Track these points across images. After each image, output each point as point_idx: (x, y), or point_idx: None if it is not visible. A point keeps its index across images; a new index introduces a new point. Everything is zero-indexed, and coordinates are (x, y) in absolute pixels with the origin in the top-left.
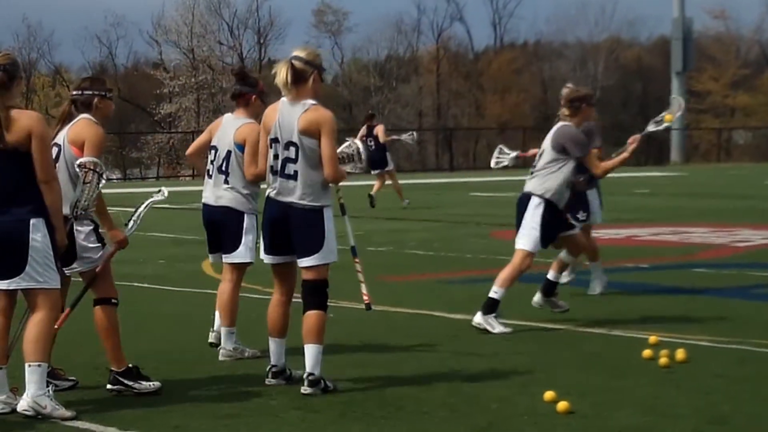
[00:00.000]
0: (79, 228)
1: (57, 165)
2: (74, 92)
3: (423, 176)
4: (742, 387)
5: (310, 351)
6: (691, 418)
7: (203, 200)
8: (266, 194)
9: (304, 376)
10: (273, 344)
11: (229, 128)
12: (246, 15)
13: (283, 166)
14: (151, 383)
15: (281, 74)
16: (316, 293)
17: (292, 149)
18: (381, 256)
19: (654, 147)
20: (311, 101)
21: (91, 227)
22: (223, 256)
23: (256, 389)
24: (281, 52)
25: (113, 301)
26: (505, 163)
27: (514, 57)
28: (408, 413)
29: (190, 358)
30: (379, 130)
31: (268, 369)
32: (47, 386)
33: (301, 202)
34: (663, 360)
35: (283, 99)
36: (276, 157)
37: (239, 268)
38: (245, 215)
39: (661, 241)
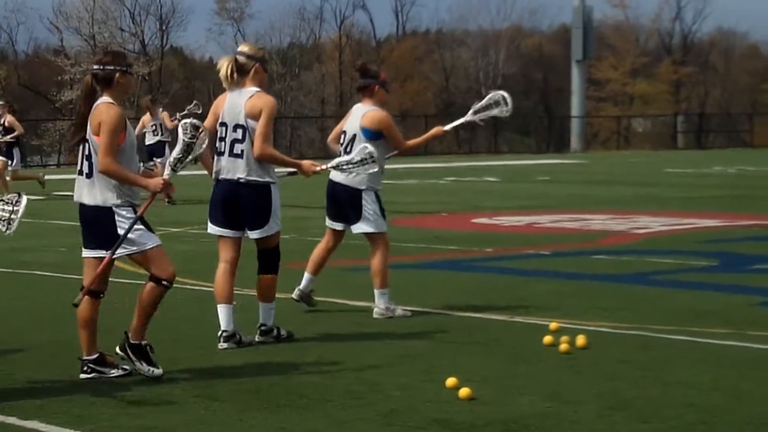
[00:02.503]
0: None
1: (92, 161)
2: (95, 66)
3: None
4: (644, 372)
5: (264, 307)
6: (594, 403)
7: (330, 178)
8: (213, 176)
9: (257, 326)
10: (222, 310)
11: (357, 114)
12: (148, 1)
13: (231, 147)
14: (152, 369)
15: (223, 69)
16: (270, 258)
17: (240, 131)
18: (284, 243)
19: (554, 135)
20: (255, 89)
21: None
22: (350, 226)
23: (157, 378)
24: (183, 39)
25: (164, 282)
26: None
27: (416, 45)
28: (312, 401)
29: None
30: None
31: (219, 334)
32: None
33: (249, 178)
34: (564, 346)
35: (229, 91)
36: (222, 139)
37: (373, 238)
38: (363, 192)
39: (561, 228)
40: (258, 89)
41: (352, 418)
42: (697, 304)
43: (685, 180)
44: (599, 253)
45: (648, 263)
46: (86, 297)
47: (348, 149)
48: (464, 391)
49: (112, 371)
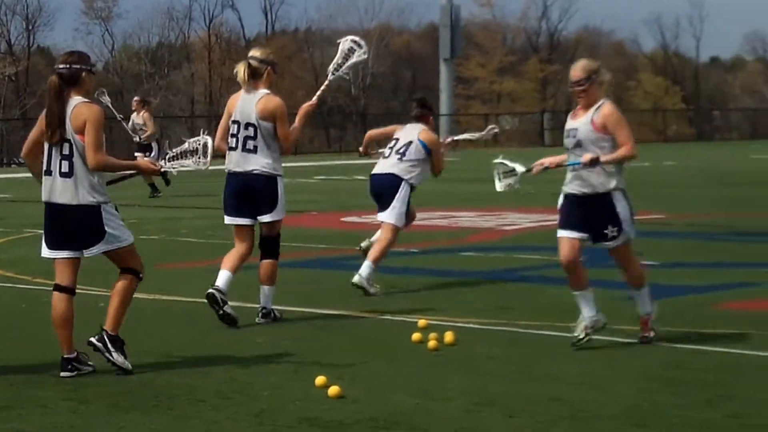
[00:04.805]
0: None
1: (73, 160)
2: (61, 66)
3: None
4: (511, 368)
5: (265, 290)
6: (462, 399)
7: (373, 172)
8: (226, 169)
9: (259, 309)
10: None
11: (413, 129)
12: (14, 1)
13: (244, 143)
14: (126, 362)
15: (240, 73)
16: (272, 244)
17: (251, 129)
18: (153, 244)
19: None
20: (265, 90)
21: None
22: (380, 215)
23: (27, 381)
24: (50, 38)
25: (140, 275)
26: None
27: (286, 44)
28: (181, 402)
29: None
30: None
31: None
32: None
33: (262, 170)
34: (432, 343)
35: (243, 90)
36: (234, 135)
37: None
38: (404, 182)
39: (430, 225)
40: (268, 91)
41: (223, 418)
42: (565, 300)
43: (552, 176)
44: (468, 249)
45: (516, 259)
46: (62, 295)
47: (401, 151)
48: (333, 390)
49: (86, 368)
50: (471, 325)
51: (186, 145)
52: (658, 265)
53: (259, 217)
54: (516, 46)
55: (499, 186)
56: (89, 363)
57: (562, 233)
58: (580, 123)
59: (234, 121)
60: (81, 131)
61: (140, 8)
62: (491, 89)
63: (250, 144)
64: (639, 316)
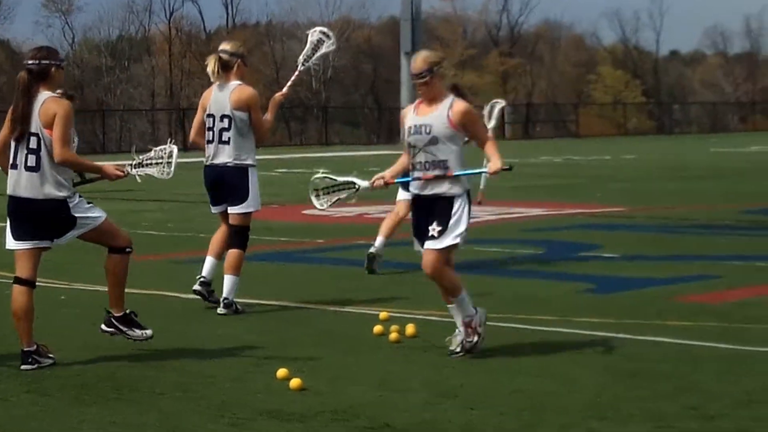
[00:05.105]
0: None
1: (41, 155)
2: (30, 62)
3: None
4: (471, 360)
5: (230, 280)
6: (422, 391)
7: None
8: (204, 162)
9: (221, 299)
10: (208, 260)
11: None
12: None
13: (220, 135)
14: (144, 333)
15: (210, 65)
16: (240, 235)
17: (226, 120)
18: None
19: (384, 126)
20: (237, 82)
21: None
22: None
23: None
24: (10, 31)
25: (127, 249)
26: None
27: (247, 37)
28: (142, 395)
29: None
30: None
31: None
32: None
33: (235, 162)
34: (393, 335)
35: (215, 84)
36: (210, 128)
37: None
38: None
39: None
40: (240, 82)
41: (184, 410)
42: (524, 292)
43: (513, 170)
44: None
45: (476, 252)
46: (23, 287)
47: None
48: (295, 382)
49: (47, 360)
50: (432, 318)
51: (152, 153)
52: (618, 257)
53: (230, 209)
54: (476, 39)
55: (318, 203)
56: (49, 355)
57: (418, 247)
58: (433, 118)
59: (209, 115)
60: (50, 126)
61: (100, 1)
62: (452, 82)
63: (225, 136)
64: (462, 322)
